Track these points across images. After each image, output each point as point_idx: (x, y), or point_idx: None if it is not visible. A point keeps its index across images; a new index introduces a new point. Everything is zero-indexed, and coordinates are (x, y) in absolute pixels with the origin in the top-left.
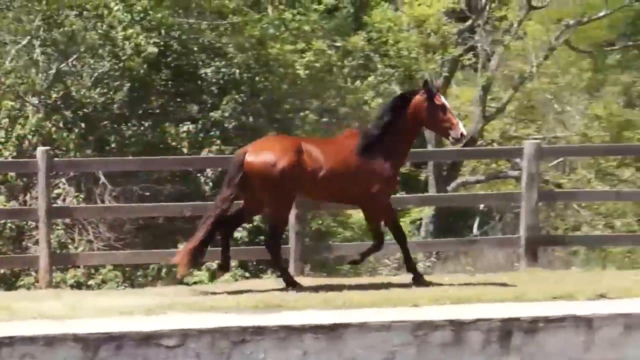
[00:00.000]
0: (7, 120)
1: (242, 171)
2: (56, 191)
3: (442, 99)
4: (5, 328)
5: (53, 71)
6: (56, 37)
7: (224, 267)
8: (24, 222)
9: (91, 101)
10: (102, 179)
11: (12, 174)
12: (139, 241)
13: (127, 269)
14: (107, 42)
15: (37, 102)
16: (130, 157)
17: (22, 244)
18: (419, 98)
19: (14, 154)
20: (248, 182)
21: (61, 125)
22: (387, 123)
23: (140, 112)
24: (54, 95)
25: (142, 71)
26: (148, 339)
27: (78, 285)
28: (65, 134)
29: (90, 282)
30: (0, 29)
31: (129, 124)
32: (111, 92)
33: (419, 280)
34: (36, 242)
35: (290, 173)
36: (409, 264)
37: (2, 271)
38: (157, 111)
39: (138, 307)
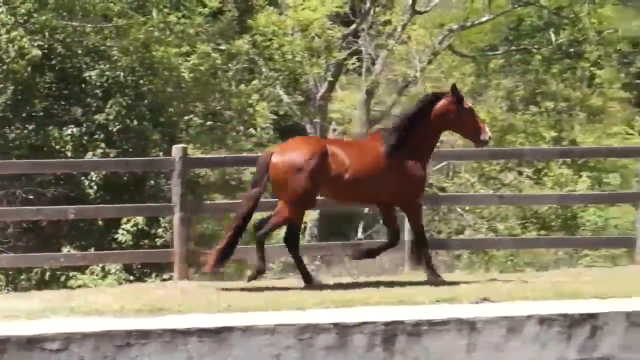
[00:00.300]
0: None
1: (269, 172)
2: None
3: (469, 102)
4: None
5: None
6: None
7: (261, 270)
8: None
9: None
10: None
11: None
12: (22, 244)
13: (10, 272)
14: None
15: None
16: (15, 160)
17: None
18: (446, 101)
19: None
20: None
21: None
22: (414, 123)
23: (24, 115)
24: None
25: (25, 74)
26: (31, 343)
27: None
28: None
29: None
30: None
31: (13, 127)
32: None
33: (435, 280)
34: None
35: (316, 175)
36: (429, 265)
37: None
38: (41, 114)
39: (22, 311)
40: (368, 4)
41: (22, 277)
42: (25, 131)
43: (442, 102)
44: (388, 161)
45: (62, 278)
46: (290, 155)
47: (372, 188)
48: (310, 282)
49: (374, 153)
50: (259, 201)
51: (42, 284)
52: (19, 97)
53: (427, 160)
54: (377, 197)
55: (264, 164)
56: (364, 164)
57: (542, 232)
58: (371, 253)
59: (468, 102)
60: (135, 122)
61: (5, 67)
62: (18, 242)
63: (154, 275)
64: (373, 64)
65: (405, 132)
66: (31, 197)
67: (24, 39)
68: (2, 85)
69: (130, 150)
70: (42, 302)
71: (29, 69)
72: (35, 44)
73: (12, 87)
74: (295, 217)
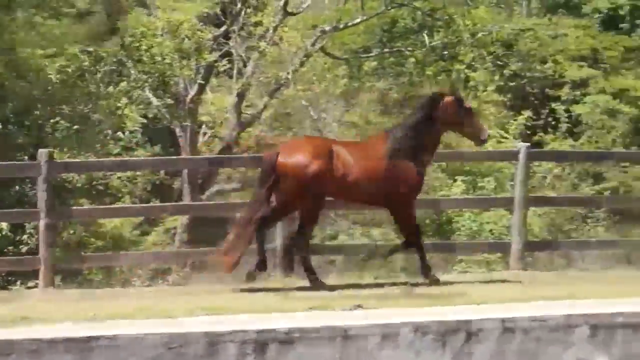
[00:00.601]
0: None
1: (275, 172)
2: None
3: (469, 102)
4: None
5: None
6: None
7: (263, 267)
8: None
9: None
10: None
11: None
12: None
13: None
14: None
15: None
16: None
17: None
18: (448, 101)
19: None
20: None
21: None
22: (416, 126)
23: None
24: None
25: None
26: None
27: None
28: None
29: None
30: None
31: None
32: None
33: (433, 281)
34: None
35: (322, 175)
36: (424, 265)
37: None
38: None
39: None
40: (239, 5)
41: None
42: None
43: (444, 104)
44: (391, 165)
45: None
46: (296, 156)
47: (373, 189)
48: (320, 286)
49: (377, 155)
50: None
51: None
52: None
53: (428, 162)
54: (381, 199)
55: (270, 164)
56: (367, 165)
57: None
58: (389, 253)
59: (469, 102)
60: (0, 126)
61: None
62: None
63: (18, 282)
64: (244, 65)
65: (410, 135)
66: None
67: None
68: None
69: None
70: None
71: None
72: None
73: None
74: (311, 215)
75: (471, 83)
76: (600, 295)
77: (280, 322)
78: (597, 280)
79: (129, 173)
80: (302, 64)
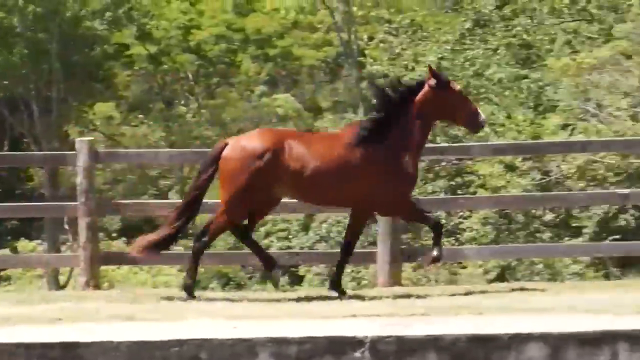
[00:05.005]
0: None
1: (217, 164)
2: None
3: (457, 84)
4: None
5: None
6: None
7: (269, 266)
8: None
9: None
10: None
11: None
12: None
13: None
14: None
15: None
16: None
17: None
18: (429, 88)
19: None
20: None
21: None
22: (389, 115)
23: None
24: None
25: None
26: None
27: None
28: None
29: None
30: None
31: None
32: None
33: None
34: None
35: (267, 172)
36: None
37: None
38: None
39: None
40: None
41: None
42: None
43: (424, 90)
44: (358, 157)
45: None
46: (241, 148)
47: (340, 187)
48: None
49: (343, 147)
50: (204, 194)
51: None
52: None
53: (414, 156)
54: (347, 198)
55: (215, 154)
56: (329, 160)
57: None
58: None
59: (456, 85)
60: None
61: None
62: None
63: None
64: None
65: (380, 126)
66: None
67: None
68: None
69: None
70: None
71: None
72: None
73: None
74: (234, 220)
75: None
76: None
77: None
78: None
79: None
80: None
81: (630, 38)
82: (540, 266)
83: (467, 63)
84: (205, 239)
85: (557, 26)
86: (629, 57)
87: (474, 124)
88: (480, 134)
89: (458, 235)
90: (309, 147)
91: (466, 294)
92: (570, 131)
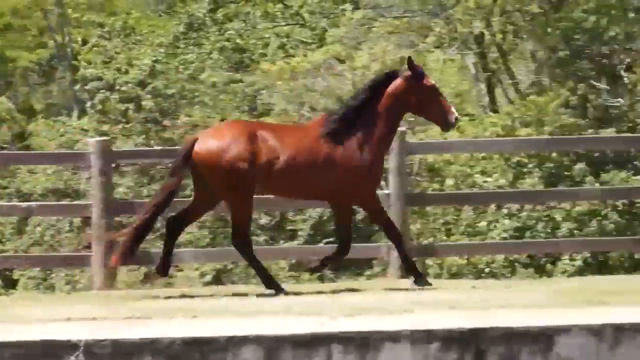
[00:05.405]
0: None
1: (190, 161)
2: None
3: (431, 79)
4: None
5: None
6: None
7: (163, 271)
8: None
9: None
10: None
11: None
12: None
13: None
14: None
15: None
16: None
17: None
18: (402, 80)
19: None
20: (198, 174)
21: None
22: (359, 106)
23: None
24: None
25: None
26: None
27: None
28: None
29: None
30: None
31: None
32: None
33: (420, 282)
34: None
35: (241, 163)
36: (407, 264)
37: None
38: None
39: None
40: None
41: None
42: None
43: (397, 81)
44: (328, 149)
45: None
46: (211, 141)
47: (311, 180)
48: (275, 288)
49: (313, 139)
50: (176, 193)
51: None
52: None
53: (381, 149)
54: (319, 191)
55: (185, 151)
56: (300, 151)
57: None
58: (315, 268)
59: (430, 79)
60: None
61: None
62: None
63: None
64: None
65: (350, 116)
66: None
67: None
68: None
69: None
70: None
71: None
72: None
73: None
74: (240, 212)
75: None
76: None
77: None
78: None
79: None
80: None
81: (343, 42)
82: None
83: (182, 67)
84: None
85: (271, 30)
86: (342, 61)
87: (445, 121)
88: None
89: None
90: (281, 138)
91: (182, 296)
92: None
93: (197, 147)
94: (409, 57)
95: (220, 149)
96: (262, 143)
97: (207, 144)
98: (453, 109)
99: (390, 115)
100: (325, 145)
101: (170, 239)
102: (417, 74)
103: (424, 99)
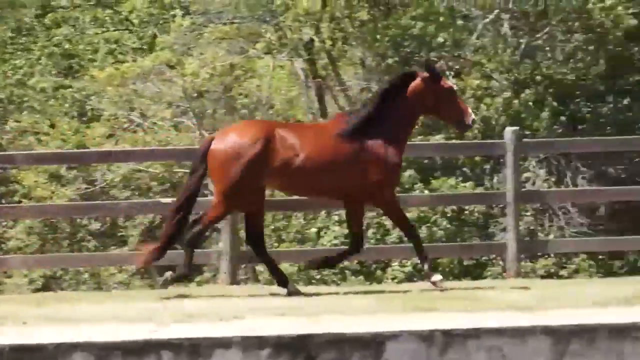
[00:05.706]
0: (472, 99)
1: (207, 160)
2: (525, 174)
3: (449, 82)
4: (471, 319)
5: (522, 47)
6: (527, 9)
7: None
8: (490, 208)
9: (562, 77)
10: (574, 160)
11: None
12: (615, 227)
13: (601, 257)
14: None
15: (504, 80)
16: (601, 137)
17: (487, 231)
18: (420, 81)
19: (478, 135)
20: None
21: (530, 103)
22: (381, 106)
23: (617, 88)
24: (523, 72)
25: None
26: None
27: (549, 275)
28: (535, 113)
29: (562, 271)
30: (467, 3)
31: (604, 102)
32: (585, 67)
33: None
34: (503, 229)
35: (259, 163)
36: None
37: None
38: (636, 88)
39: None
40: None
41: (618, 263)
42: (619, 106)
43: (416, 82)
44: (350, 147)
45: None
46: (229, 140)
47: (331, 177)
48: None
49: (333, 137)
50: (196, 194)
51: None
52: (612, 69)
53: (401, 148)
54: (339, 189)
55: (203, 150)
56: (320, 150)
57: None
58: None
59: (448, 81)
60: None
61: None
62: (611, 224)
63: None
64: None
65: (369, 116)
66: (623, 176)
67: (619, 7)
68: (592, 57)
69: None
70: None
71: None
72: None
73: (604, 59)
74: (227, 212)
75: None
76: None
77: None
78: None
79: None
80: None
81: (173, 49)
82: (87, 275)
83: (10, 72)
84: (199, 227)
85: (100, 35)
86: (172, 67)
87: (462, 123)
88: (24, 142)
89: (2, 245)
90: (301, 137)
91: (11, 303)
92: (116, 140)
93: (215, 147)
94: (427, 59)
95: (238, 147)
96: (280, 142)
97: (225, 143)
98: (470, 111)
99: (408, 115)
100: (345, 145)
101: (262, 254)
102: (434, 75)
103: (441, 100)
